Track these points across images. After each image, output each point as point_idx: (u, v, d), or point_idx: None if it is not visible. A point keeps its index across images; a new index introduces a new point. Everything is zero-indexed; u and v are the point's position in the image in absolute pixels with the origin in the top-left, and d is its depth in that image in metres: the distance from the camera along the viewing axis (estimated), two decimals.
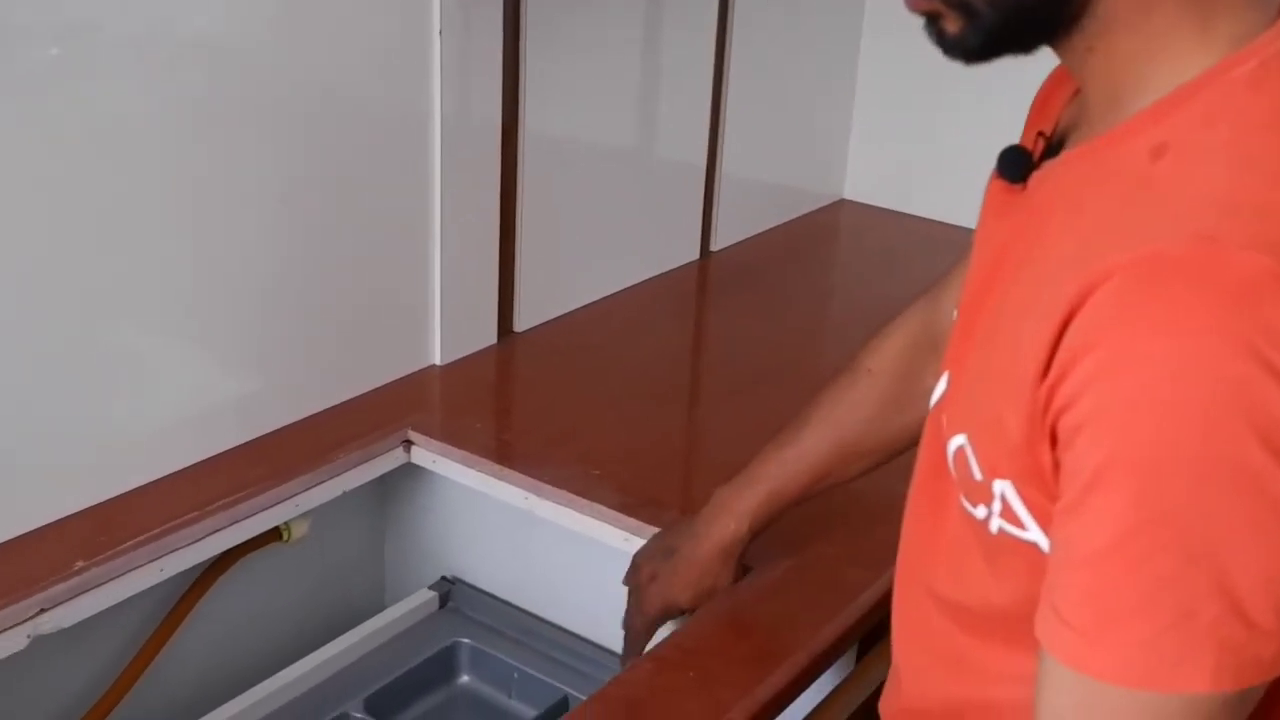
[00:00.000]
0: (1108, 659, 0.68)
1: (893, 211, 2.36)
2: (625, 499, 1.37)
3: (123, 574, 1.24)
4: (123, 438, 1.32)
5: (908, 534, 0.97)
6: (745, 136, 2.11)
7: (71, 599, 1.20)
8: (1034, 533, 0.76)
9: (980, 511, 0.81)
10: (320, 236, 1.46)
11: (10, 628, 1.16)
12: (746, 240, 2.19)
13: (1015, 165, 0.83)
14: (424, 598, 1.56)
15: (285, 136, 1.39)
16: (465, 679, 1.51)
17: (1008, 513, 0.78)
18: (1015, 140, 0.87)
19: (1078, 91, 0.83)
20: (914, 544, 0.96)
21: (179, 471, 1.36)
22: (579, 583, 1.49)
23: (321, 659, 1.43)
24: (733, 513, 1.20)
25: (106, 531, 1.26)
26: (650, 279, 2.00)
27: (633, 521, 1.35)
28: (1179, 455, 0.64)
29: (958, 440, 0.82)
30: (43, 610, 1.18)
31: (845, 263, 2.30)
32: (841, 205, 2.42)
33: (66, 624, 1.20)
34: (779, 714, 1.14)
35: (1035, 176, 0.81)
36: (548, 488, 1.40)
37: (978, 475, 0.80)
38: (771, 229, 2.26)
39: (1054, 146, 0.83)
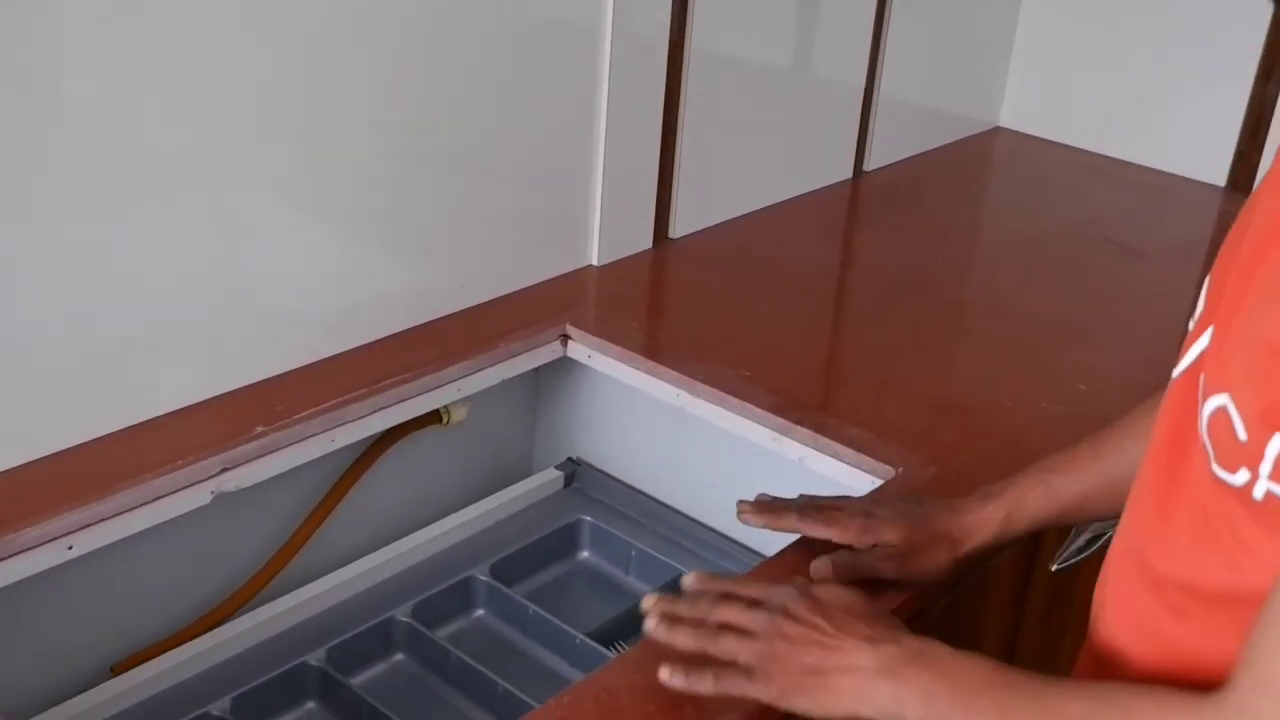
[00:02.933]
0: None
1: (1048, 141, 2.33)
2: (776, 400, 1.41)
3: (298, 441, 1.31)
4: (298, 318, 1.39)
5: (1132, 507, 0.90)
6: (905, 59, 2.11)
7: (251, 461, 1.27)
8: None
9: (1240, 477, 0.74)
10: (492, 140, 1.51)
11: (197, 483, 1.23)
12: (900, 162, 2.19)
13: None
14: (549, 476, 1.63)
15: (464, 42, 1.44)
16: (585, 554, 1.58)
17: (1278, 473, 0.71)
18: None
19: None
20: (1136, 518, 0.89)
21: (352, 350, 1.43)
22: (718, 477, 1.54)
23: (451, 525, 1.51)
24: (982, 527, 1.11)
25: (284, 401, 1.33)
26: (803, 195, 2.01)
27: (782, 421, 1.38)
28: None
29: (1217, 400, 0.76)
30: (225, 469, 1.25)
31: (997, 190, 2.28)
32: (997, 133, 2.40)
33: (247, 484, 1.27)
34: (927, 608, 1.16)
35: None
36: (700, 385, 1.43)
37: (1242, 435, 0.74)
38: (925, 153, 2.25)
39: None
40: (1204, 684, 0.77)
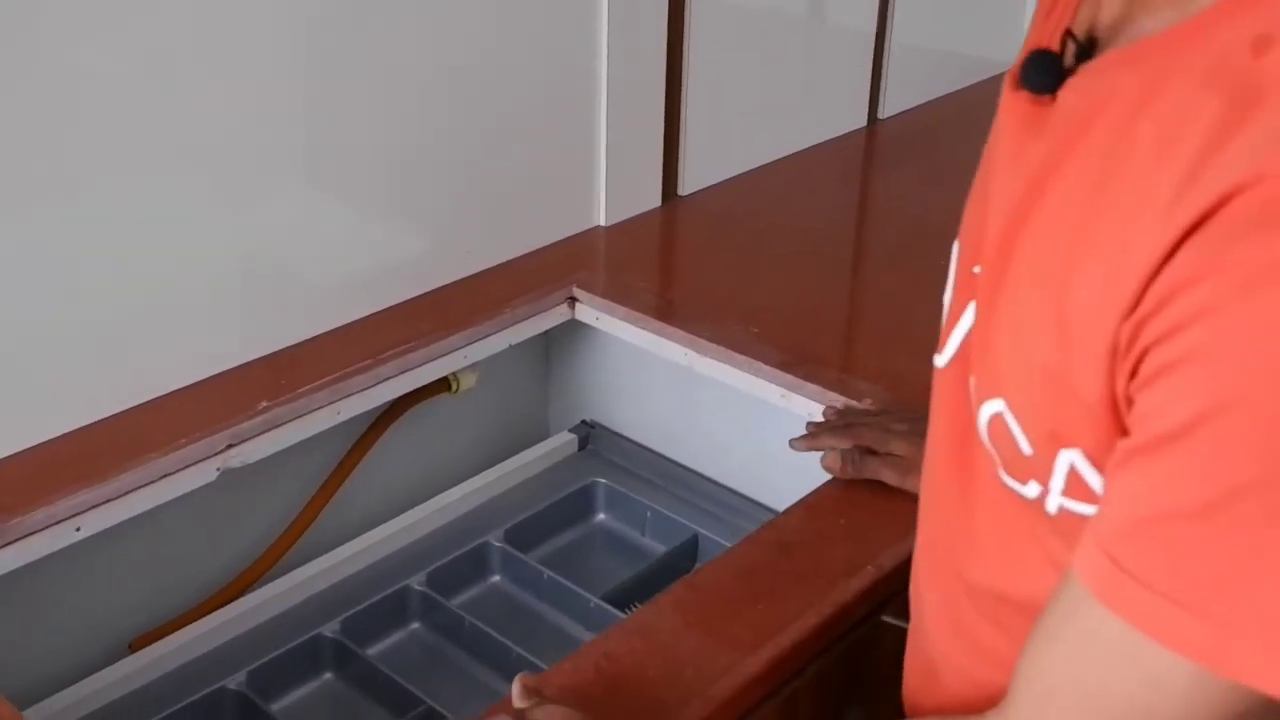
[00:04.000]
0: (1217, 637, 0.57)
1: None
2: (785, 357, 1.39)
3: (303, 415, 1.31)
4: (302, 290, 1.39)
5: (929, 510, 0.86)
6: (916, 1, 2.07)
7: (257, 436, 1.27)
8: None
9: (1031, 489, 0.70)
10: (492, 101, 1.50)
11: (202, 460, 1.24)
12: (915, 108, 2.16)
13: (1043, 73, 0.70)
14: (564, 439, 1.63)
15: (460, 4, 1.42)
16: (601, 516, 1.58)
17: (1076, 488, 0.66)
18: None
19: None
20: (938, 523, 0.84)
21: (356, 321, 1.43)
22: (729, 435, 1.53)
23: (464, 492, 1.51)
24: None
25: (288, 375, 1.33)
26: (816, 145, 1.99)
27: (790, 378, 1.36)
28: None
29: (993, 406, 0.71)
30: (231, 445, 1.25)
31: None
32: None
33: (252, 459, 1.27)
34: None
35: (1070, 84, 0.68)
36: (708, 344, 1.42)
37: (1025, 449, 0.69)
38: (941, 97, 2.22)
39: (1085, 49, 0.69)
40: None
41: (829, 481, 1.21)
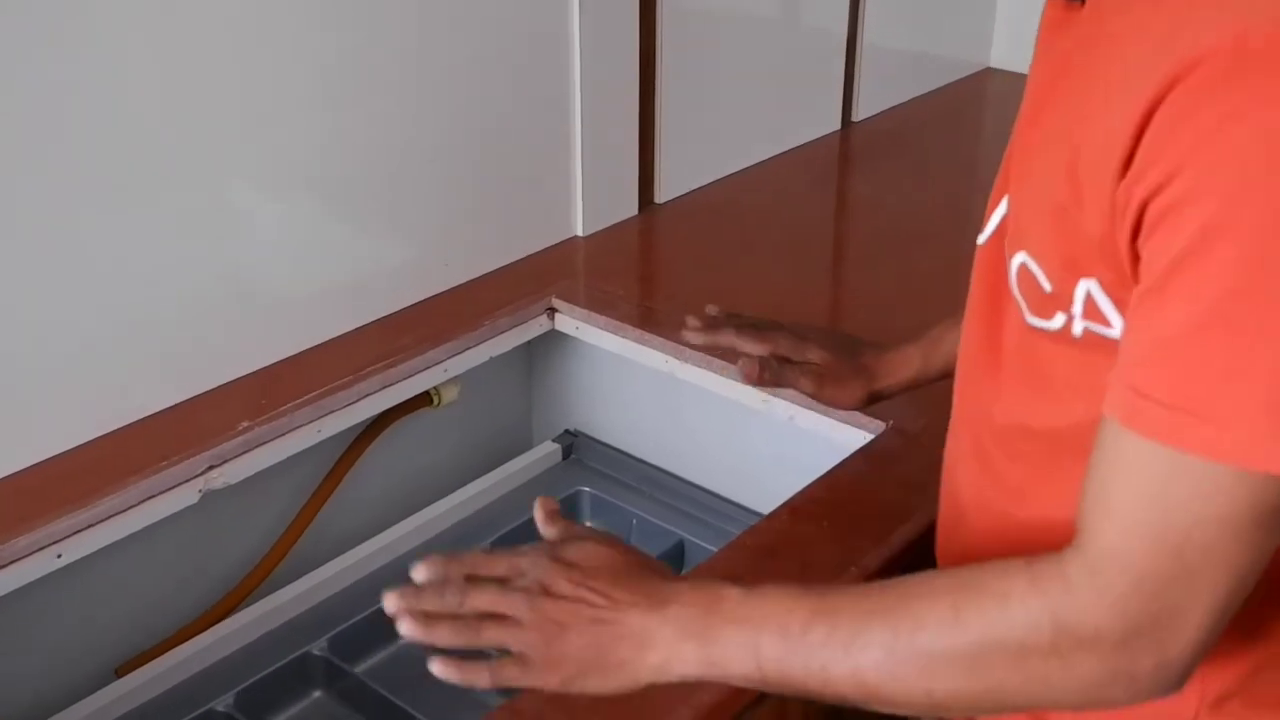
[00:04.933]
0: (1219, 435, 0.65)
1: None
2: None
3: (285, 434, 1.31)
4: (281, 307, 1.38)
5: (964, 375, 0.94)
6: (888, 4, 2.08)
7: (238, 456, 1.27)
8: (1120, 330, 0.74)
9: (1057, 321, 0.78)
10: (464, 114, 1.50)
11: (183, 483, 1.23)
12: (888, 110, 2.17)
13: None
14: (547, 449, 1.63)
15: (430, 14, 1.42)
16: (587, 524, 1.56)
17: (1093, 312, 0.76)
18: None
19: None
20: (971, 379, 0.93)
21: (336, 338, 1.43)
22: (711, 440, 1.53)
23: (449, 505, 1.51)
24: (903, 366, 1.18)
25: (267, 395, 1.33)
26: (791, 150, 1.99)
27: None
28: None
29: (1020, 258, 0.81)
30: (212, 467, 1.25)
31: (991, 133, 2.25)
32: (987, 74, 2.37)
33: (234, 480, 1.27)
34: (917, 562, 1.15)
35: None
36: (688, 351, 1.42)
37: (1046, 287, 0.78)
38: (914, 99, 2.23)
39: None
40: (1044, 524, 0.82)
41: (811, 485, 1.21)
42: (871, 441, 1.28)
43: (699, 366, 1.42)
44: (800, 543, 1.12)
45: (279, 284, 1.38)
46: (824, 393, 1.17)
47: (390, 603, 0.85)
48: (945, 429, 1.25)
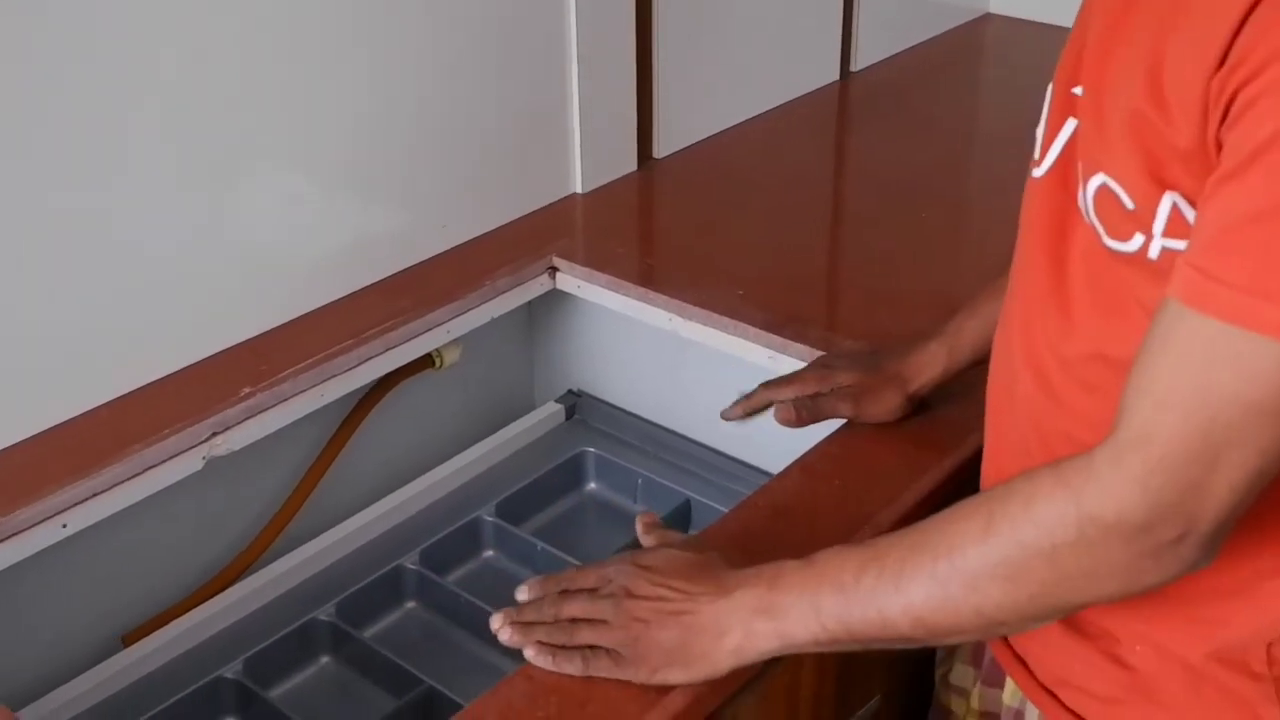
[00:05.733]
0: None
1: (1042, 24, 2.27)
2: (770, 317, 1.38)
3: (287, 399, 1.29)
4: (279, 271, 1.37)
5: (1022, 314, 0.93)
6: None
7: (241, 423, 1.26)
8: None
9: (1135, 243, 0.79)
10: (459, 71, 1.47)
11: (187, 450, 1.22)
12: (888, 59, 2.14)
13: None
14: (550, 410, 1.62)
15: None
16: (592, 486, 1.57)
17: (1175, 226, 0.76)
18: None
19: None
20: (1032, 318, 0.92)
21: (336, 301, 1.41)
22: (717, 398, 1.51)
23: (453, 468, 1.50)
24: (930, 363, 1.19)
25: (269, 360, 1.31)
26: (789, 102, 1.97)
27: (777, 339, 1.36)
28: None
29: (1098, 179, 0.80)
30: (215, 434, 1.24)
31: (992, 80, 2.23)
32: (988, 20, 2.34)
33: (238, 446, 1.26)
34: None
35: None
36: (692, 308, 1.41)
37: (1129, 204, 0.78)
38: (913, 47, 2.19)
39: None
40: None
41: (823, 442, 1.20)
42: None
43: (703, 324, 1.41)
44: (812, 501, 1.11)
45: (276, 249, 1.36)
46: (863, 410, 1.19)
47: (495, 621, 0.96)
48: (957, 386, 1.25)
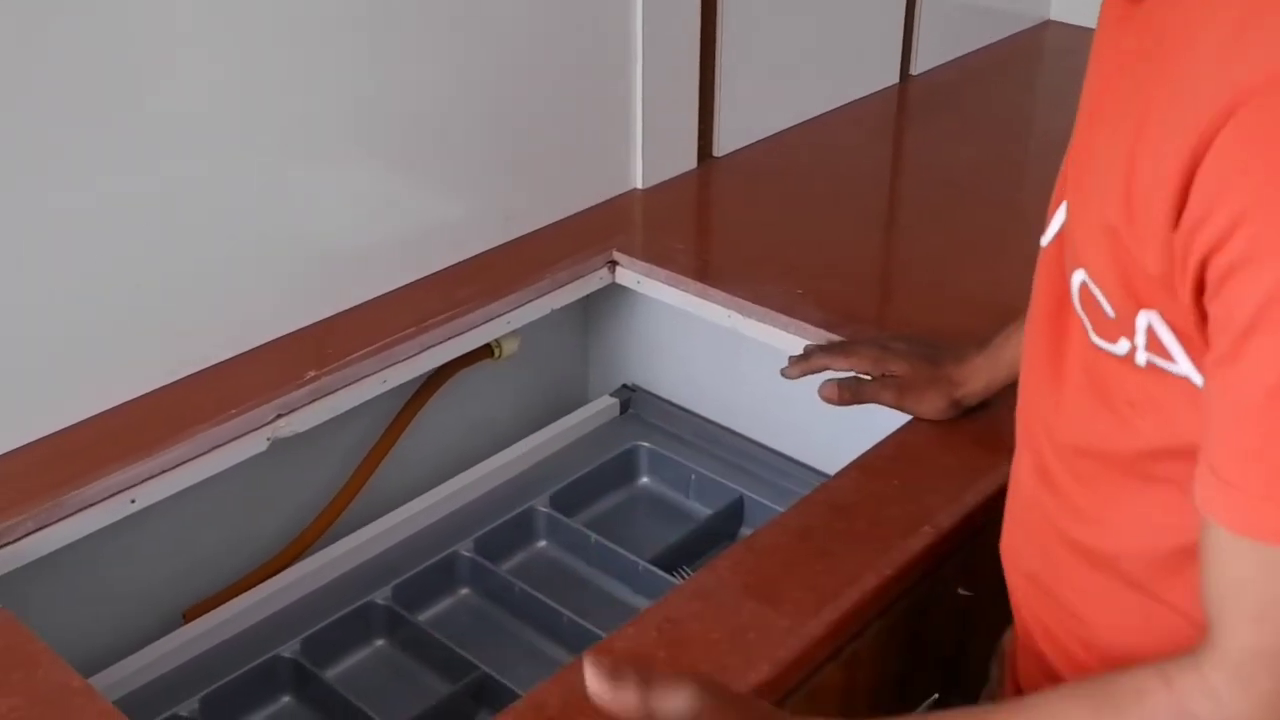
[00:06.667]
0: None
1: None
2: (827, 316, 1.38)
3: (350, 384, 1.31)
4: (344, 260, 1.38)
5: (1026, 387, 0.91)
6: None
7: (305, 405, 1.28)
8: (1185, 366, 0.71)
9: (1121, 346, 0.75)
10: (525, 66, 1.49)
11: (253, 430, 1.24)
12: (947, 63, 2.14)
13: None
14: (605, 403, 1.63)
15: None
16: (644, 480, 1.57)
17: (1155, 345, 0.72)
18: None
19: None
20: (1033, 390, 0.89)
21: (399, 289, 1.43)
22: (772, 397, 1.52)
23: (508, 458, 1.52)
24: (974, 375, 1.19)
25: (333, 344, 1.33)
26: (849, 104, 1.97)
27: (835, 338, 1.36)
28: None
29: (1080, 275, 0.76)
30: (280, 415, 1.26)
31: (1050, 86, 2.22)
32: (1047, 27, 2.33)
33: (301, 429, 1.28)
34: (988, 520, 1.15)
35: None
36: (751, 305, 1.42)
37: (1110, 312, 0.74)
38: (973, 52, 2.20)
39: None
40: (1108, 550, 0.80)
41: (880, 443, 1.20)
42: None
43: (762, 321, 1.42)
44: (872, 500, 1.12)
45: (342, 237, 1.38)
46: (906, 404, 1.20)
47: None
48: (1014, 387, 1.25)
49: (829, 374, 1.24)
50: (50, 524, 1.12)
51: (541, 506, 1.46)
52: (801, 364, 1.24)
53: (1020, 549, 0.94)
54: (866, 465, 1.17)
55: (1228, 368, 0.64)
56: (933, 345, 1.23)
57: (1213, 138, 0.61)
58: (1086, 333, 0.78)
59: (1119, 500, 0.81)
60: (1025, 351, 0.91)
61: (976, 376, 1.19)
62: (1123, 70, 0.73)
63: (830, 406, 1.26)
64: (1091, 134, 0.77)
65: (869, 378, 1.22)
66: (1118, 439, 0.78)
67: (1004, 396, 1.22)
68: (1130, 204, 0.68)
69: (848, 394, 1.20)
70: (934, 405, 1.20)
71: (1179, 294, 0.66)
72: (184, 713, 1.19)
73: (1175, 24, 0.67)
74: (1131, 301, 0.71)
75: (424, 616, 1.35)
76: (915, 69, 2.09)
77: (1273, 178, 0.59)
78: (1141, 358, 0.73)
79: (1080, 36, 2.28)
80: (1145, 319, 0.71)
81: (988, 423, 1.21)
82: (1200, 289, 0.65)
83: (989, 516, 1.14)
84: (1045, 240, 0.86)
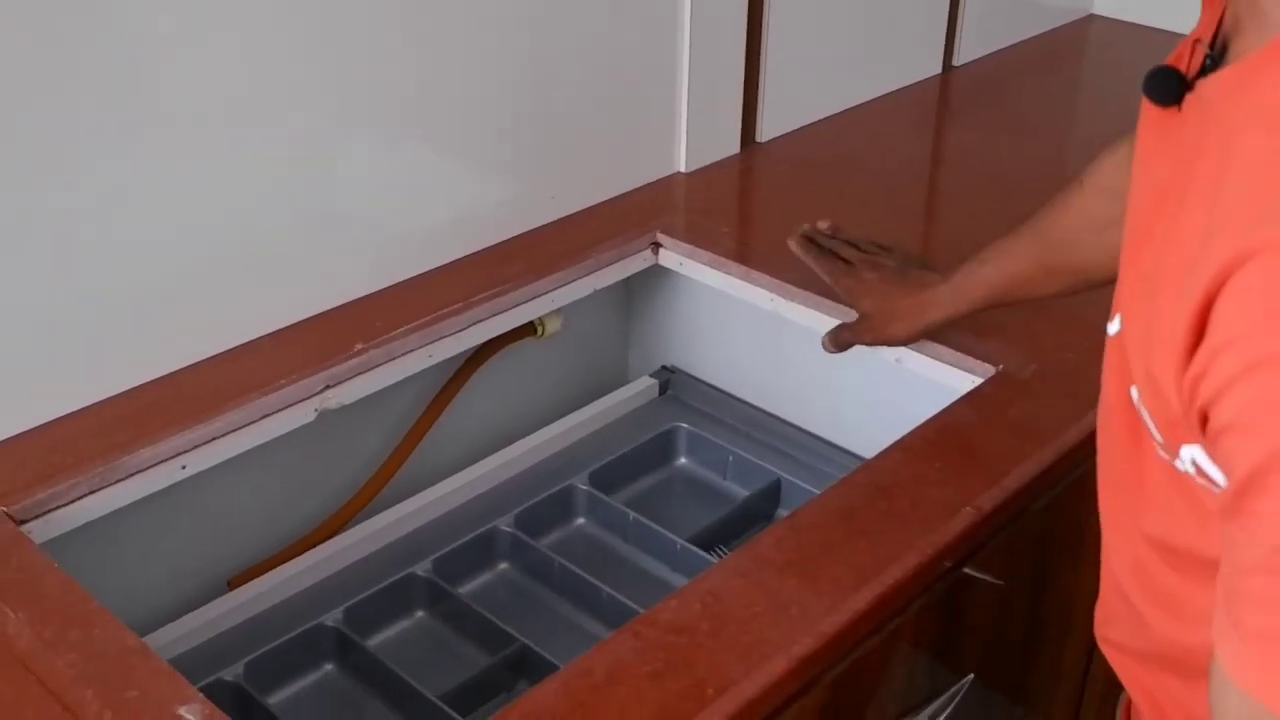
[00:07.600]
0: (1268, 679, 0.60)
1: (1144, 27, 2.26)
2: None
3: (397, 357, 1.33)
4: (392, 235, 1.40)
5: (1107, 468, 0.88)
6: None
7: (353, 378, 1.29)
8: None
9: (1180, 463, 0.71)
10: (576, 48, 1.50)
11: (301, 401, 1.26)
12: (990, 55, 2.14)
13: (1164, 87, 0.71)
14: (644, 384, 1.65)
15: None
16: (682, 461, 1.58)
17: (1201, 475, 0.69)
18: None
19: None
20: (1116, 480, 0.87)
21: (445, 265, 1.44)
22: (812, 381, 1.53)
23: (548, 436, 1.53)
24: (957, 289, 1.27)
25: (381, 318, 1.35)
26: (892, 93, 1.98)
27: None
28: None
29: (1134, 392, 0.74)
30: (328, 386, 1.27)
31: (1093, 80, 2.22)
32: (1091, 20, 2.33)
33: (349, 401, 1.29)
34: (1029, 505, 1.16)
35: (1190, 99, 0.68)
36: (794, 289, 1.43)
37: (1158, 437, 0.72)
38: (1017, 44, 2.20)
39: (1216, 57, 0.69)
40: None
41: (922, 425, 1.21)
42: (979, 386, 1.28)
43: (805, 306, 1.43)
44: (913, 482, 1.13)
45: (391, 215, 1.40)
46: (881, 340, 1.32)
47: None
48: (1057, 375, 1.27)
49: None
50: (104, 487, 1.14)
51: (581, 484, 1.47)
52: (801, 251, 1.37)
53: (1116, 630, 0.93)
54: (908, 446, 1.17)
55: (1231, 519, 0.62)
56: (920, 263, 1.35)
57: (1217, 293, 0.60)
58: (1152, 437, 0.75)
59: (1208, 592, 0.76)
60: (1101, 440, 0.88)
61: (938, 306, 1.28)
62: (1164, 194, 0.70)
63: (870, 392, 1.28)
64: (1138, 254, 0.75)
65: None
66: (1198, 541, 0.75)
67: (1044, 387, 1.24)
68: (1152, 350, 0.68)
69: (837, 346, 1.33)
70: (902, 335, 1.31)
71: (1194, 429, 0.65)
72: (228, 677, 1.20)
73: (1209, 150, 0.65)
74: (1173, 434, 0.69)
75: (464, 589, 1.37)
76: (958, 60, 2.09)
77: (1256, 348, 0.58)
78: (1196, 480, 0.71)
79: (1123, 31, 2.29)
80: (1189, 453, 0.69)
81: (1028, 411, 1.22)
82: (1205, 432, 0.64)
83: (1029, 501, 1.15)
84: (1112, 330, 0.82)
